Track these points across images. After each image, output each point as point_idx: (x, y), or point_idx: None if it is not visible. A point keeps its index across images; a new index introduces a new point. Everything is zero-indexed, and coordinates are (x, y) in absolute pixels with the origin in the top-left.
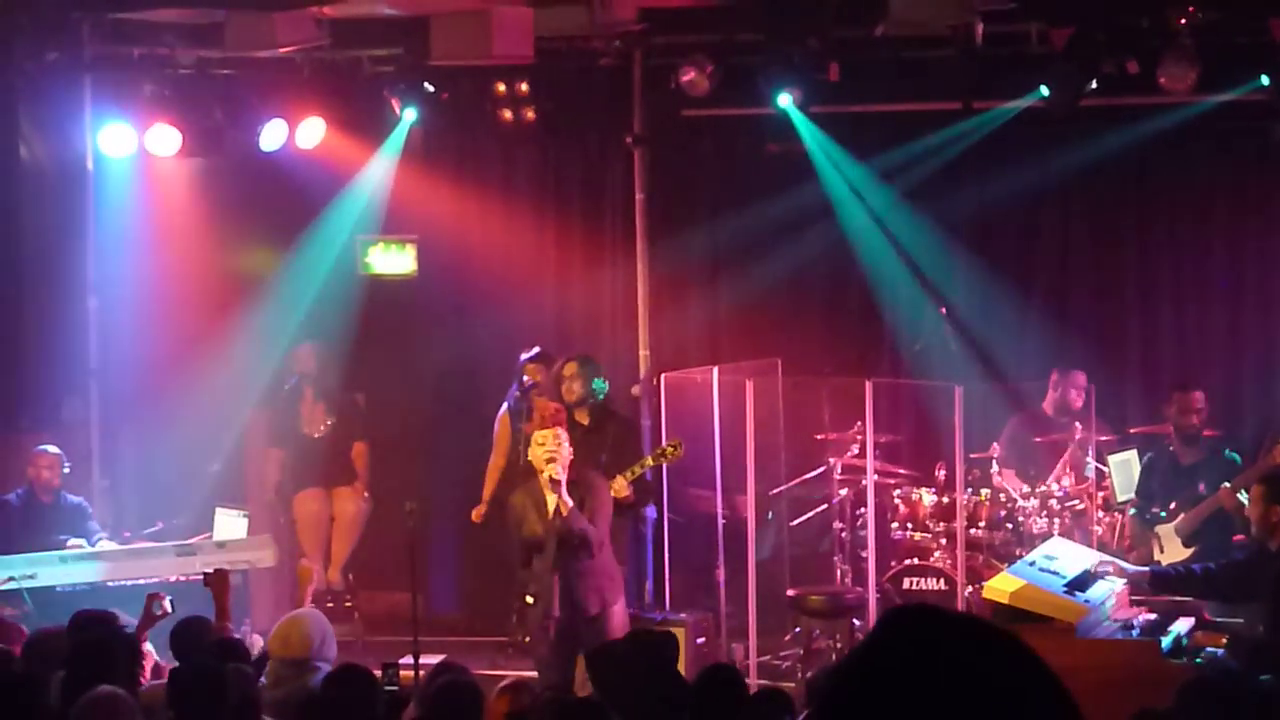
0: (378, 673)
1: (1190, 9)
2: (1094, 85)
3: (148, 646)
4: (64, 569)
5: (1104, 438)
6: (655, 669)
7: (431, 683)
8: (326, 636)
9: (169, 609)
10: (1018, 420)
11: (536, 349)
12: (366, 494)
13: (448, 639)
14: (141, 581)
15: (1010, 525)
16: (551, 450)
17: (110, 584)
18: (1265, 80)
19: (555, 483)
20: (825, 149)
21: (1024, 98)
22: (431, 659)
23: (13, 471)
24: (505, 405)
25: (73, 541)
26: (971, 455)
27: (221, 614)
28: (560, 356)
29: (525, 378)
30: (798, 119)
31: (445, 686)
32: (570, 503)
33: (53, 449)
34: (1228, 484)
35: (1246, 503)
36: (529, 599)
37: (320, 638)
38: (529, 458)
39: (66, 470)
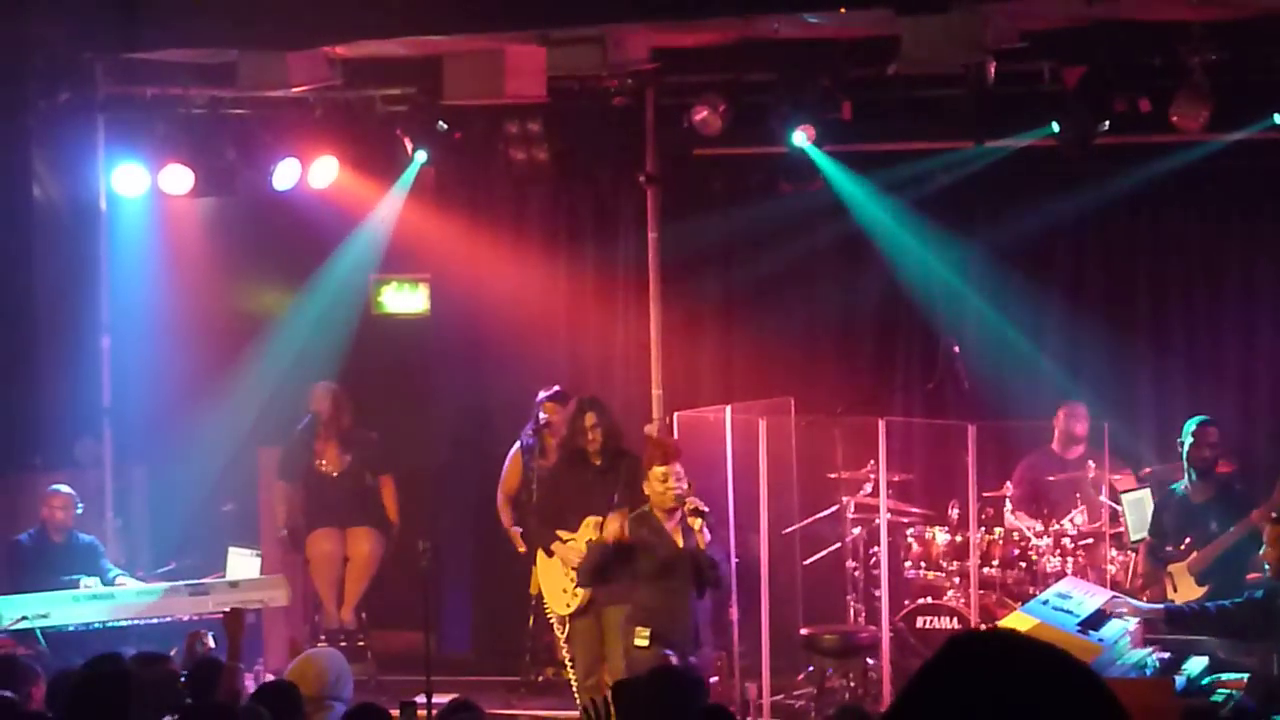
0: (395, 712)
1: (1203, 47)
2: (1106, 125)
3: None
4: (77, 608)
5: (1117, 476)
6: (677, 712)
7: None
8: (342, 675)
9: (211, 644)
10: (1031, 459)
11: (556, 388)
12: (397, 526)
13: (460, 678)
14: (155, 620)
15: (1024, 564)
16: (674, 485)
17: (123, 623)
18: (1278, 119)
19: (697, 513)
20: (846, 186)
21: (1036, 135)
22: (444, 698)
23: (26, 511)
24: (518, 443)
25: (86, 581)
26: (985, 494)
27: (234, 654)
28: (574, 396)
29: (542, 415)
30: (816, 156)
31: None
32: (708, 535)
33: (65, 489)
34: (1258, 510)
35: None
36: (642, 641)
37: (335, 675)
38: (650, 494)
39: (79, 510)
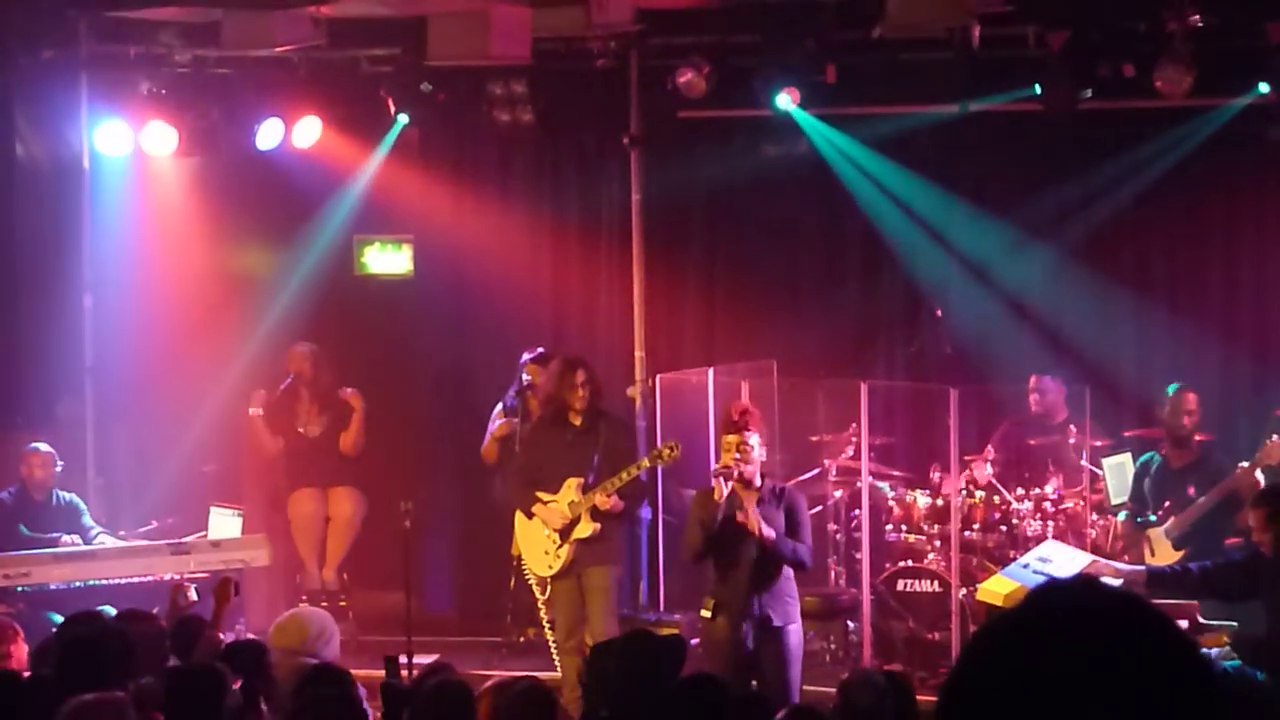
0: (380, 672)
1: (1187, 13)
2: (1089, 91)
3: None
4: (58, 567)
5: (1098, 442)
6: (648, 674)
7: (421, 684)
8: (324, 634)
9: (194, 598)
10: (1010, 423)
11: (539, 349)
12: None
13: (441, 639)
14: (135, 580)
15: (1004, 527)
16: (730, 456)
17: (104, 582)
18: (1265, 88)
19: (750, 487)
20: (828, 148)
21: (1019, 98)
22: (425, 659)
23: (7, 470)
24: (501, 403)
25: (67, 539)
26: (966, 457)
27: (216, 623)
28: (556, 357)
29: (525, 377)
30: (800, 118)
31: (436, 687)
32: (758, 518)
33: (44, 447)
34: (1245, 464)
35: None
36: (706, 612)
37: (316, 632)
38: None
39: (59, 468)
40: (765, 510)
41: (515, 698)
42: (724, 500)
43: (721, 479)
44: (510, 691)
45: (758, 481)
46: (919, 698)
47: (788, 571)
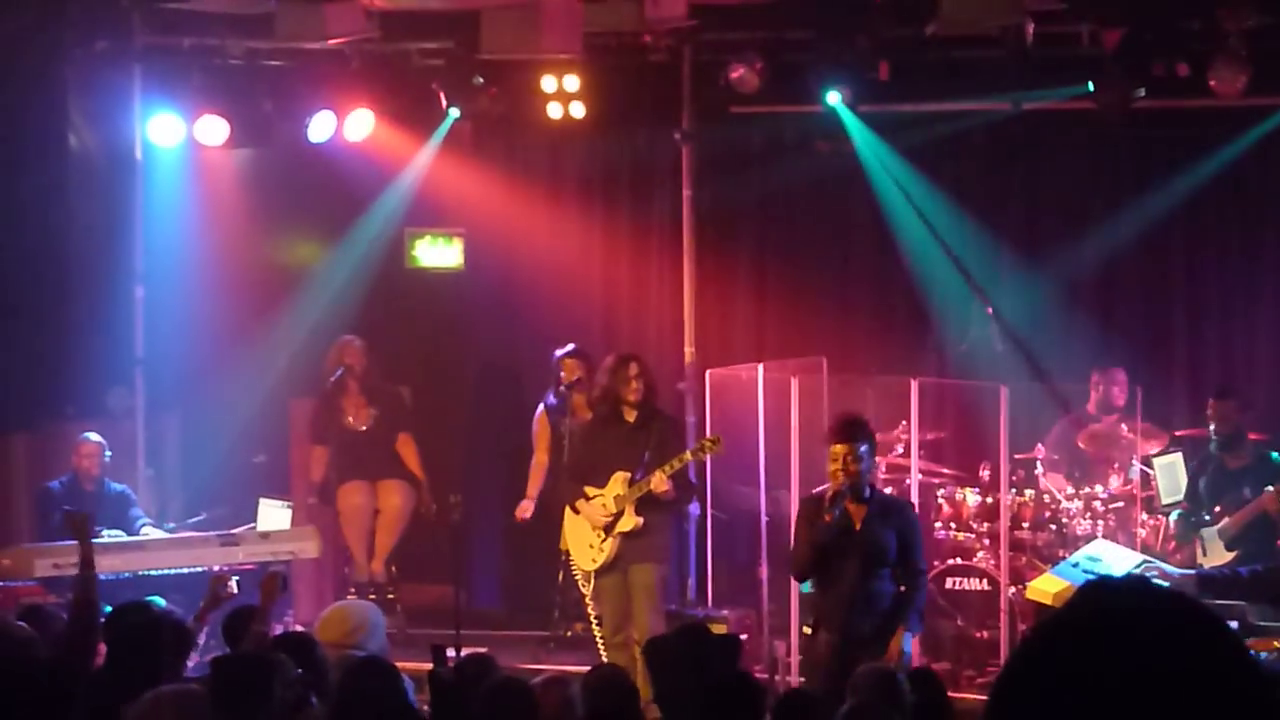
0: (428, 665)
1: (1243, 12)
2: (1143, 90)
3: None
4: (107, 557)
5: (1150, 441)
6: (707, 670)
7: (467, 677)
8: (365, 626)
9: (234, 590)
10: (1066, 421)
11: (571, 345)
12: (424, 482)
13: (489, 632)
14: (184, 570)
15: (1054, 526)
16: (837, 468)
17: (153, 573)
18: None
19: (859, 499)
20: (874, 148)
21: (1073, 97)
22: (473, 652)
23: (59, 459)
24: (542, 405)
25: (106, 534)
26: (1016, 456)
27: (263, 617)
28: (602, 352)
29: (564, 374)
30: (847, 117)
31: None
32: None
33: (94, 437)
34: (1270, 488)
35: None
36: (807, 629)
37: (355, 625)
38: (830, 476)
39: (108, 458)
40: (873, 529)
41: (602, 682)
42: (833, 512)
43: (835, 495)
44: (598, 678)
45: (866, 493)
46: (967, 695)
47: (890, 588)
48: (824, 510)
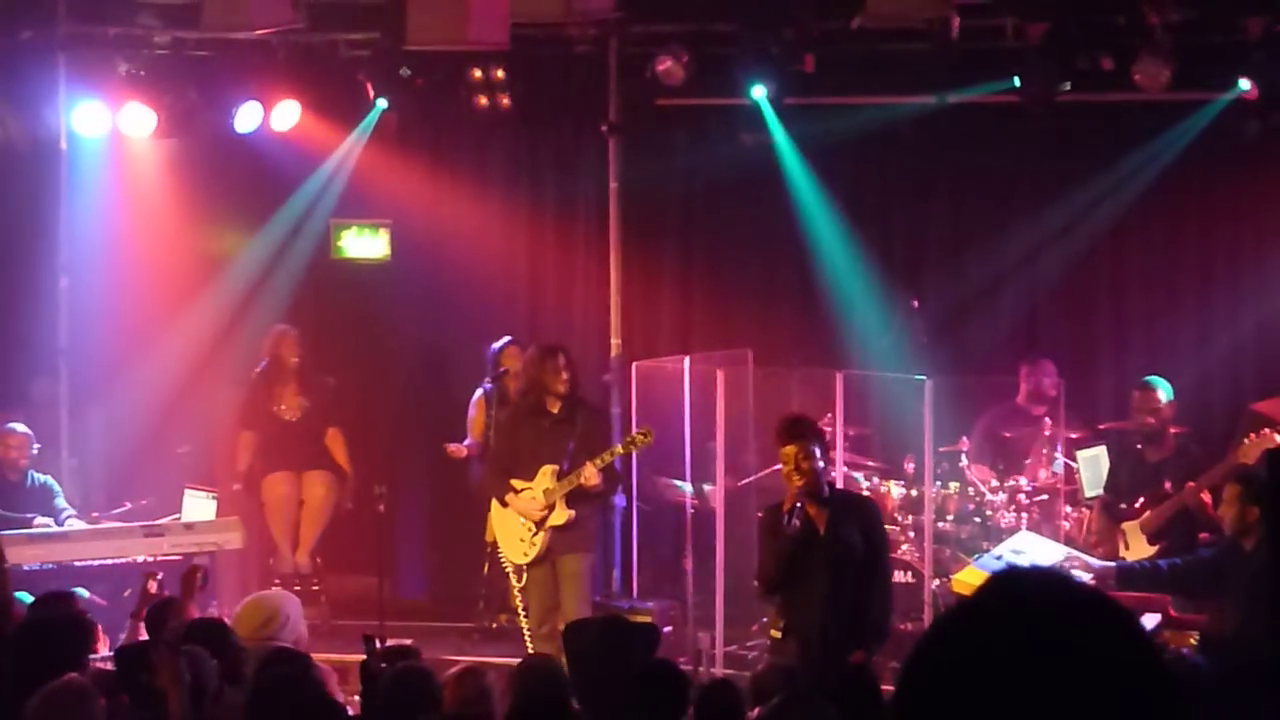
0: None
1: (1166, 7)
2: (1068, 84)
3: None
4: (30, 548)
5: (1074, 434)
6: (624, 661)
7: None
8: (277, 617)
9: (154, 587)
10: (992, 414)
11: (508, 338)
12: (350, 477)
13: (414, 623)
14: (108, 562)
15: (978, 519)
16: (793, 470)
17: (77, 564)
18: (1244, 84)
19: (818, 500)
20: (796, 143)
21: (999, 91)
22: (397, 644)
23: None
24: (481, 390)
25: (40, 521)
26: (940, 448)
27: (183, 610)
28: (530, 344)
29: (503, 365)
30: (768, 112)
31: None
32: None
33: (21, 428)
34: (1191, 483)
35: (1213, 502)
36: (776, 632)
37: (270, 617)
38: (785, 479)
39: (36, 450)
40: (838, 530)
41: (534, 672)
42: (794, 524)
43: (793, 505)
44: (529, 667)
45: (825, 492)
46: (891, 687)
47: (861, 596)
48: (785, 520)
